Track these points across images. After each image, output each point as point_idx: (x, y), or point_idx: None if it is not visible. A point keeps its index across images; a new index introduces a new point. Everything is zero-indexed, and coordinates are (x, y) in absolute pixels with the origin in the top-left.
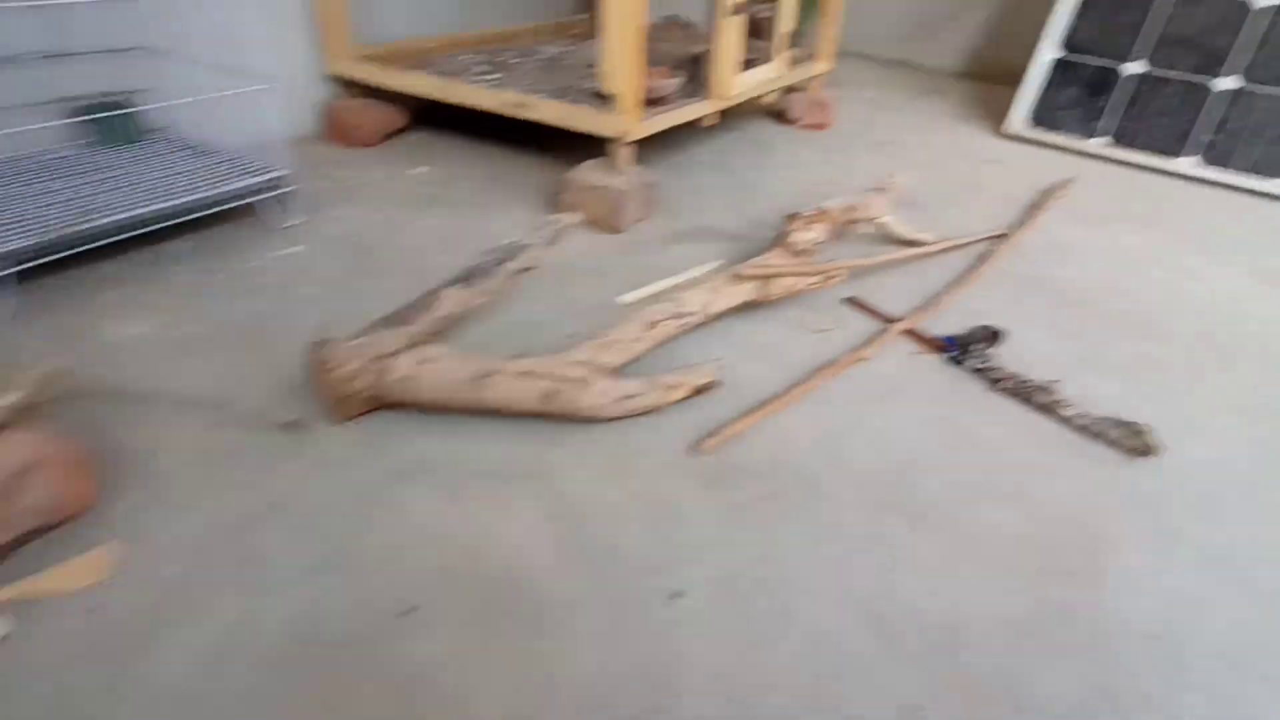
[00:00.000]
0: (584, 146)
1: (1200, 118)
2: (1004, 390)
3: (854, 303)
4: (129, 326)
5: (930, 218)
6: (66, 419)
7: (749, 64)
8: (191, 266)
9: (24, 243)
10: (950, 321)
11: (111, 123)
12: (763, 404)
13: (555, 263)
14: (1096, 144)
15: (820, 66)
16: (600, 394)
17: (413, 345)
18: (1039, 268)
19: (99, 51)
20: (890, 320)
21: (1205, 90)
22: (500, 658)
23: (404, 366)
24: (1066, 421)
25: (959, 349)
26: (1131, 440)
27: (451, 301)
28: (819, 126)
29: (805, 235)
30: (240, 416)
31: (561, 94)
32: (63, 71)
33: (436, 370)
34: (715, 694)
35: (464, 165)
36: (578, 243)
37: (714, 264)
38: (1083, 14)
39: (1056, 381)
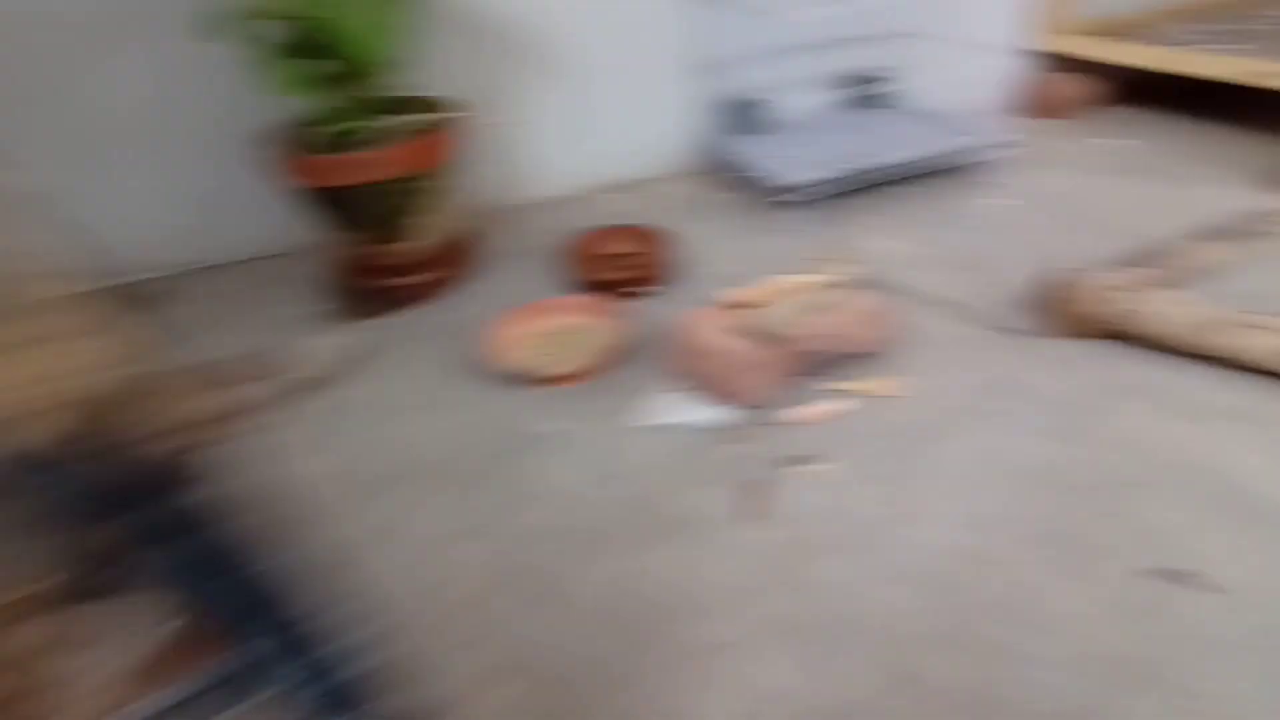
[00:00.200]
0: None
1: None
2: None
3: None
4: (887, 243)
5: None
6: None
7: None
8: (925, 205)
9: (829, 174)
10: None
11: (869, 92)
12: None
13: None
14: None
15: None
16: None
17: (1142, 287)
18: None
19: (866, 38)
20: None
21: None
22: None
23: (1133, 301)
24: None
25: None
26: None
27: (1192, 254)
28: None
29: None
30: (977, 316)
31: None
32: (842, 53)
33: (1164, 310)
34: None
35: (1169, 139)
36: None
37: None
38: None
39: None
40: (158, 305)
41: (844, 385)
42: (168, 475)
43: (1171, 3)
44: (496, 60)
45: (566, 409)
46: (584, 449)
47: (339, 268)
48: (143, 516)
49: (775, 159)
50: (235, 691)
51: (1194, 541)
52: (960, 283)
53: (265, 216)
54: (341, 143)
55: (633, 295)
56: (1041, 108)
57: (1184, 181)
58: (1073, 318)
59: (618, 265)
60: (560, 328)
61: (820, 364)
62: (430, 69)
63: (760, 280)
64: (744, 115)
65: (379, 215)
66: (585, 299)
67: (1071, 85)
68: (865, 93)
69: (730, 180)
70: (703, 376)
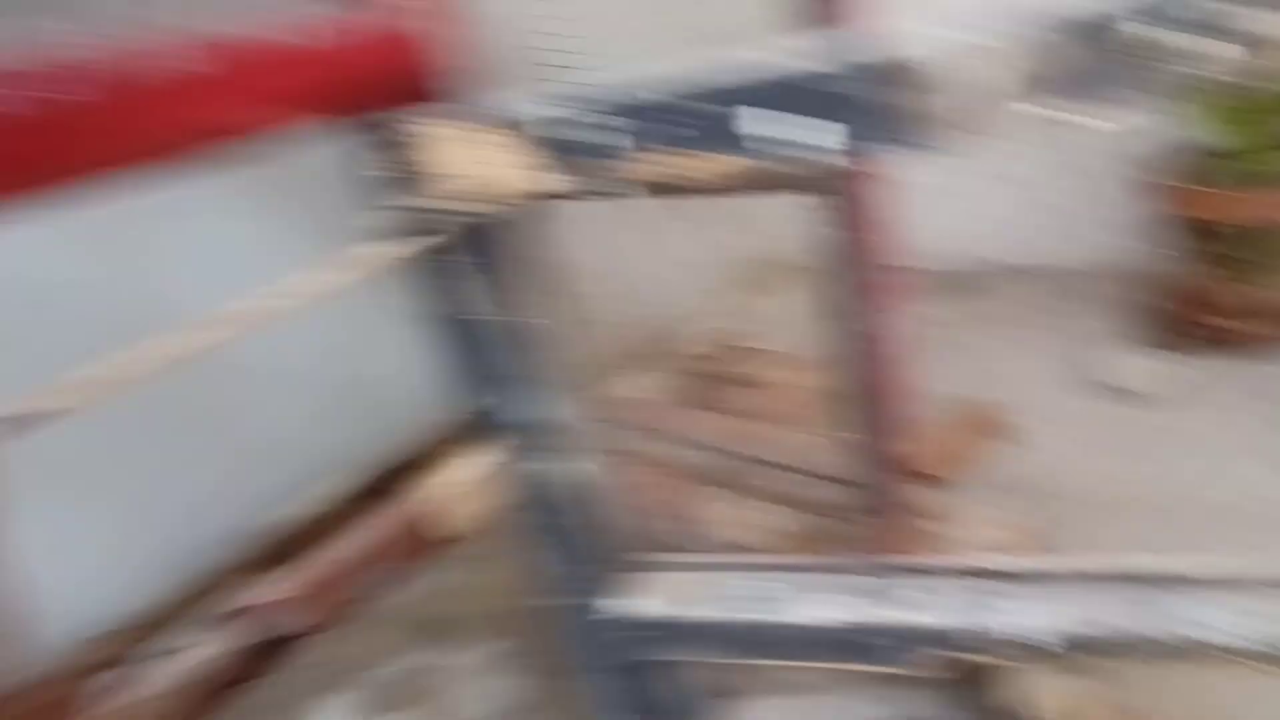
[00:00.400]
0: None
1: None
2: None
3: None
4: None
5: None
6: None
7: None
8: None
9: None
10: None
11: None
12: None
13: None
14: None
15: None
16: None
17: None
18: None
19: None
20: None
21: None
22: None
23: None
24: None
25: None
26: None
27: None
28: None
29: None
30: None
31: None
32: None
33: None
34: None
35: None
36: None
37: None
38: None
39: None
40: (965, 296)
41: None
42: None
43: None
44: None
45: None
46: None
47: (1168, 296)
48: None
49: None
50: None
51: None
52: None
53: (1097, 230)
54: (1248, 178)
55: None
56: None
57: None
58: None
59: None
60: None
61: None
62: None
63: None
64: None
65: (1248, 256)
66: None
67: None
68: None
69: None
70: None
